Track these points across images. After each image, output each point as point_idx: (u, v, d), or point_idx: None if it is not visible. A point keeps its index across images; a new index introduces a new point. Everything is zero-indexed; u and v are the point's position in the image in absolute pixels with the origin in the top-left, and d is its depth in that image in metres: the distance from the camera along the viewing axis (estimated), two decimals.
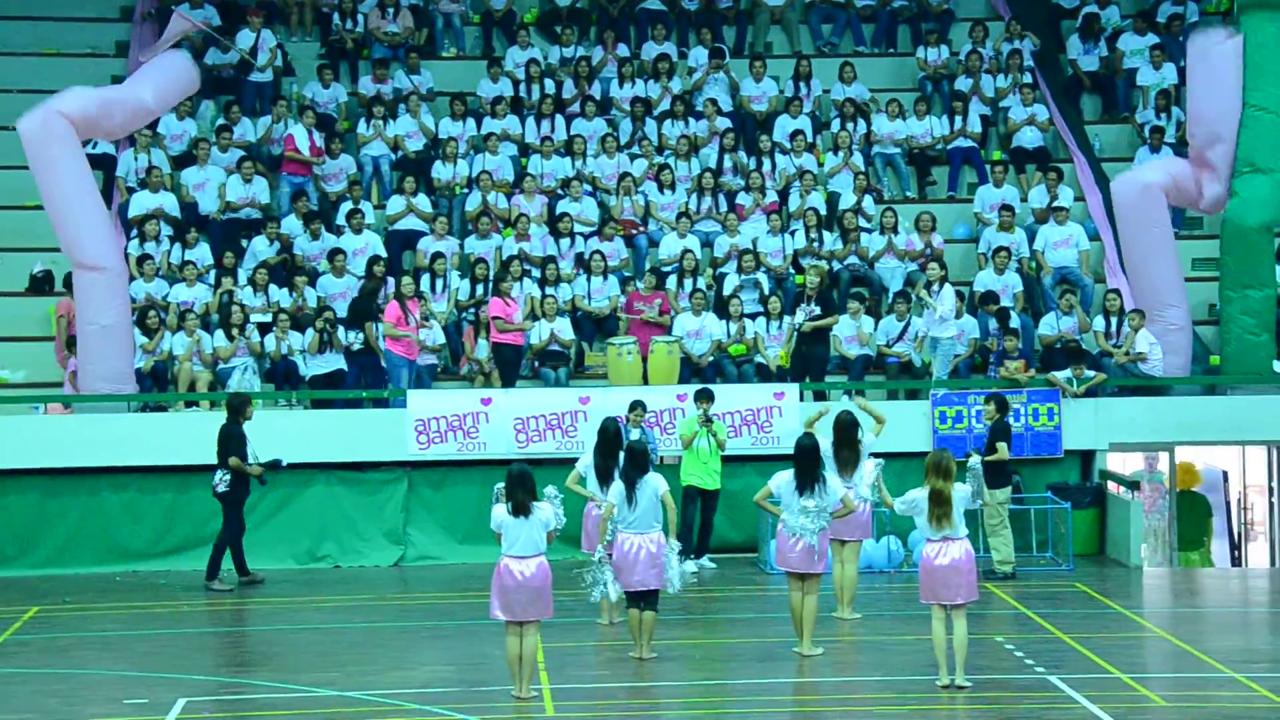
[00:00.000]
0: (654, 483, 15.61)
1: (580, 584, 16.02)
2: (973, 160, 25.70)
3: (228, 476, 19.47)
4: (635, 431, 19.19)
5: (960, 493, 14.73)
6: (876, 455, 17.06)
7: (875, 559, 19.90)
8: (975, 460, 15.44)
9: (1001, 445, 19.51)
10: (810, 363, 21.82)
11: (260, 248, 23.33)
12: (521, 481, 14.18)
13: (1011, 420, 20.39)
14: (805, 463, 15.79)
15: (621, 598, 15.78)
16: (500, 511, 14.24)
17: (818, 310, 21.80)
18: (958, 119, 25.68)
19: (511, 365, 21.78)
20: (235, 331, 21.80)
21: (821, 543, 15.82)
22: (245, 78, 25.79)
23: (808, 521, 15.67)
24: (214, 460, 19.62)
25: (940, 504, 14.59)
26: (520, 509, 14.14)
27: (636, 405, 19.67)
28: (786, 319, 22.24)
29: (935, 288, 21.79)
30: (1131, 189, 22.43)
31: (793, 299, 22.45)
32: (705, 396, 20.09)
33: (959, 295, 22.31)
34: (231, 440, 19.43)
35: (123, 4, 27.21)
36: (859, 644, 16.69)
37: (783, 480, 15.90)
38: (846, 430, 17.00)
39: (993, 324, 22.29)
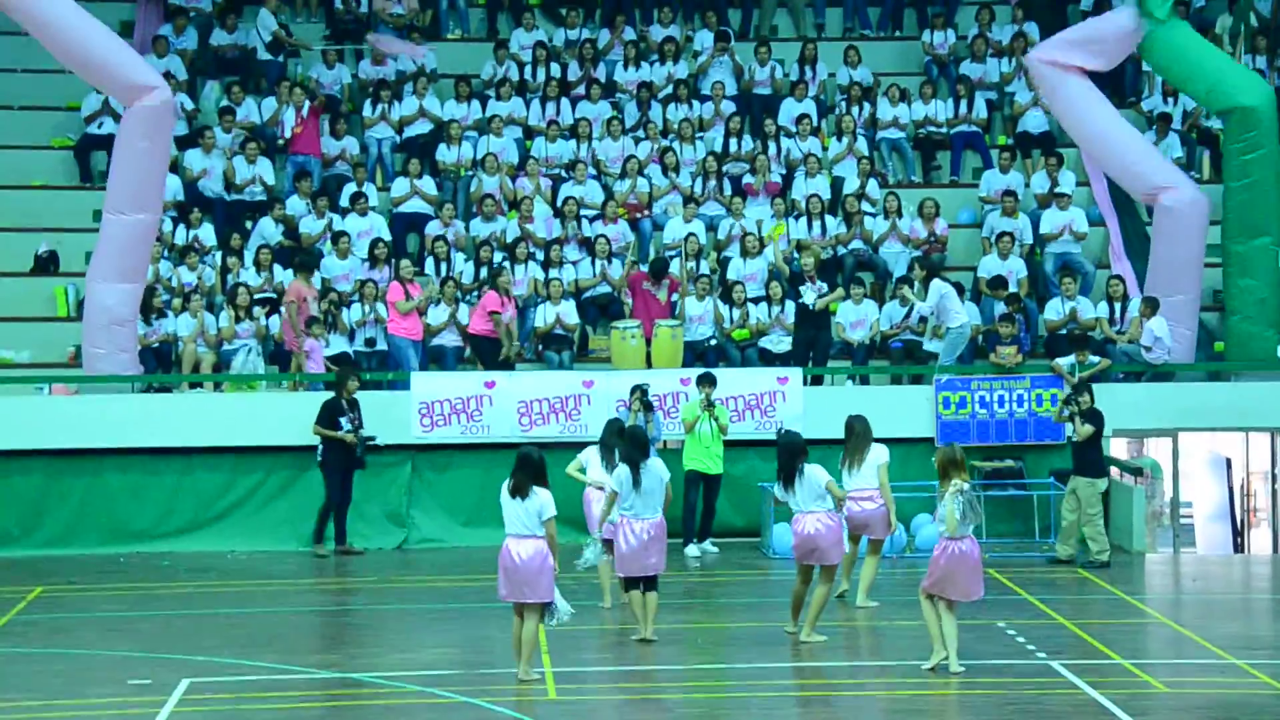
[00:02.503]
0: (658, 468, 15.62)
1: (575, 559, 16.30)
2: (976, 145, 25.65)
3: (320, 446, 20.19)
4: (641, 414, 19.29)
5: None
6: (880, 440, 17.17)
7: None
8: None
9: (1086, 427, 19.55)
10: (815, 347, 21.79)
11: (266, 229, 23.32)
12: (524, 464, 14.17)
13: (1016, 406, 20.41)
14: (784, 456, 15.76)
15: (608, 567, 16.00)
16: (504, 490, 14.26)
17: (825, 287, 21.73)
18: (963, 103, 25.63)
19: (491, 356, 21.73)
20: (240, 313, 21.81)
21: (835, 531, 15.78)
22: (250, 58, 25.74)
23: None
24: (217, 441, 19.91)
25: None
26: (517, 490, 14.14)
27: (637, 389, 19.70)
28: (789, 303, 22.22)
29: (917, 286, 21.63)
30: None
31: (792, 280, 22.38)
32: (708, 381, 20.08)
33: (959, 287, 22.14)
34: (321, 410, 20.14)
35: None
36: (859, 629, 16.71)
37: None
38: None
39: (999, 308, 22.25)
